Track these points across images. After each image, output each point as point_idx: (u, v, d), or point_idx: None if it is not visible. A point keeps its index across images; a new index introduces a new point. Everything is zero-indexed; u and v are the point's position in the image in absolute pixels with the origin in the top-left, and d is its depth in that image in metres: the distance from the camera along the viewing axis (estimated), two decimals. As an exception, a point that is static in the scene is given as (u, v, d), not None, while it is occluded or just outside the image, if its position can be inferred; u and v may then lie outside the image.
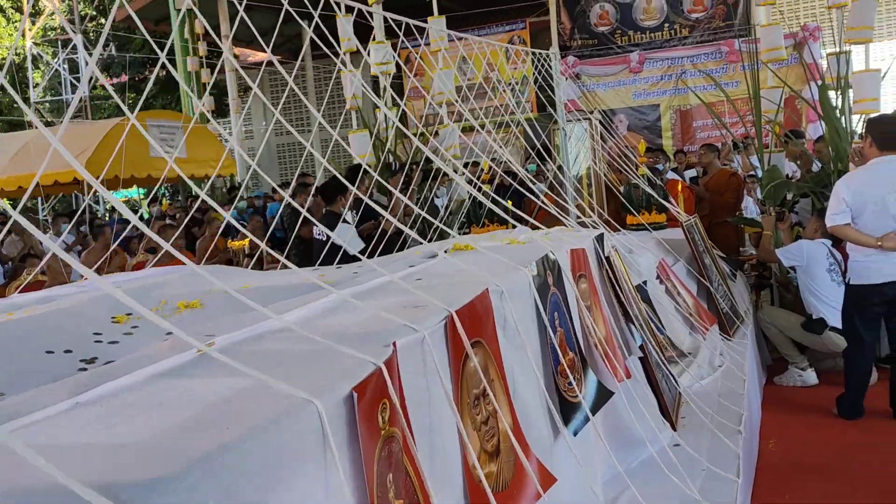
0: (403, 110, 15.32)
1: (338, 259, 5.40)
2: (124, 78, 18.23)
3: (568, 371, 2.21)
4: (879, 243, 4.56)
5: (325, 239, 5.82)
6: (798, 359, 5.46)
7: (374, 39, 7.22)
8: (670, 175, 8.38)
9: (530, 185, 8.53)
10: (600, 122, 6.84)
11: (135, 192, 22.20)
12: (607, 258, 3.32)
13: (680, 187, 6.34)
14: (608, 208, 6.65)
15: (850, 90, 6.18)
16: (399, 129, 7.46)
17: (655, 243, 4.89)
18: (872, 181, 4.59)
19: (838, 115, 6.14)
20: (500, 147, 7.31)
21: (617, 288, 3.26)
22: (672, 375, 3.55)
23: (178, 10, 15.00)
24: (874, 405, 4.82)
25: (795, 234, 6.42)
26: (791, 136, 6.57)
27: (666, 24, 14.29)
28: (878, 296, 4.66)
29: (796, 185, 6.32)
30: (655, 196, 5.47)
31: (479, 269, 2.22)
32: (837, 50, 6.20)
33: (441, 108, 7.36)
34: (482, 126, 5.61)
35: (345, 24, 6.99)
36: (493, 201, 8.40)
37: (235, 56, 18.57)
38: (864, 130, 5.28)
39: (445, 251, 2.77)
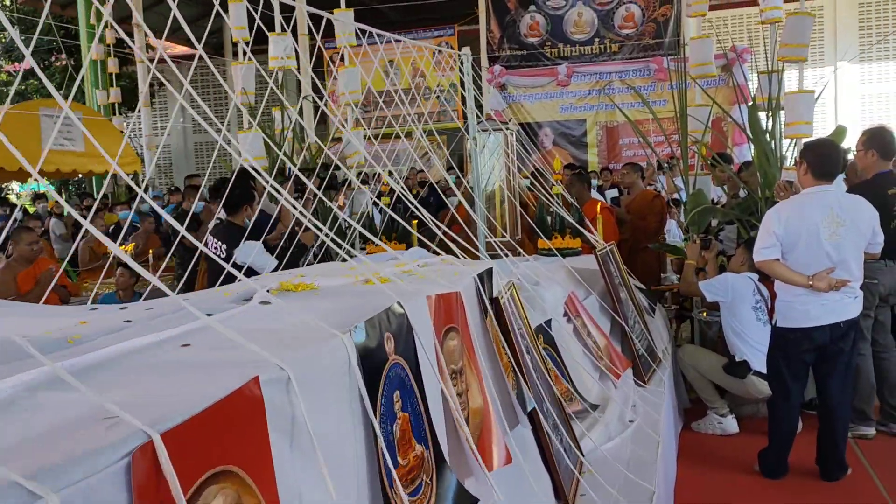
0: (324, 113, 14.49)
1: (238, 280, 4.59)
2: (28, 65, 16.91)
3: (400, 484, 1.51)
4: (810, 283, 4.03)
5: (223, 255, 5.01)
6: (718, 404, 4.90)
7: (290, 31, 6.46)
8: (593, 194, 7.82)
9: (445, 196, 7.85)
10: (517, 133, 6.21)
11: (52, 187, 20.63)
12: (495, 300, 2.65)
13: (599, 208, 5.75)
14: (522, 228, 6.02)
15: (782, 112, 5.70)
16: (299, 133, 6.69)
17: (566, 273, 4.26)
18: (805, 213, 4.06)
19: (768, 138, 5.65)
20: (416, 155, 6.62)
21: (507, 338, 2.59)
22: (572, 441, 2.89)
23: (85, -6, 13.90)
24: (800, 460, 4.28)
25: (720, 263, 5.92)
26: (718, 159, 6.06)
27: (596, 39, 13.87)
28: (806, 341, 4.12)
29: (722, 211, 5.81)
30: (568, 218, 4.84)
31: (279, 331, 1.51)
32: (769, 68, 5.72)
33: (348, 110, 6.63)
34: (394, 134, 4.92)
35: (239, 11, 6.20)
36: (405, 216, 7.67)
37: (151, 47, 17.45)
38: (797, 156, 4.76)
39: (268, 291, 2.04)
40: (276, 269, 4.89)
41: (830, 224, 4.04)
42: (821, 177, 4.10)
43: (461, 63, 5.63)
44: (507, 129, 6.05)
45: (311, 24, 5.79)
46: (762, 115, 5.72)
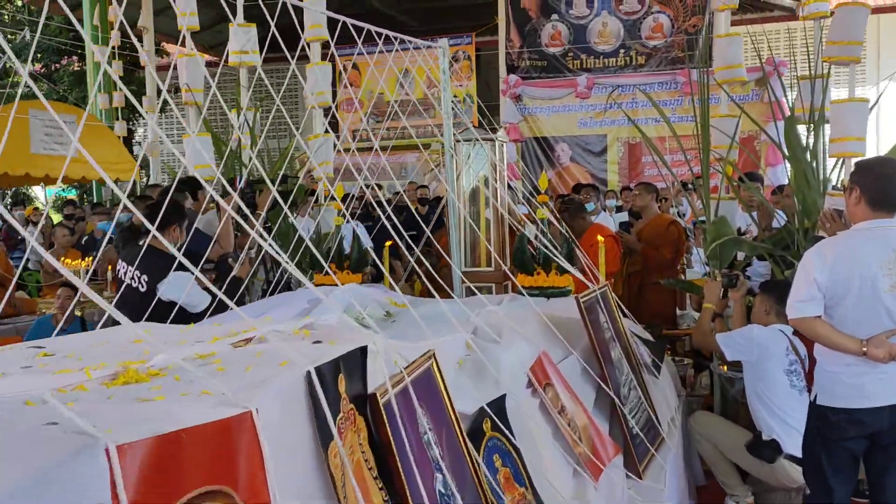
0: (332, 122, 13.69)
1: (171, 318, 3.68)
2: (38, 68, 16.30)
3: None
4: (864, 349, 2.96)
5: (143, 289, 4.05)
6: (739, 490, 3.82)
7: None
8: (600, 217, 6.75)
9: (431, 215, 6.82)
10: (528, 143, 5.20)
11: (72, 192, 20.07)
12: (370, 398, 1.65)
13: (601, 237, 4.71)
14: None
15: (826, 125, 4.63)
16: (258, 139, 5.74)
17: (541, 324, 3.24)
18: (858, 255, 3.00)
19: (808, 157, 4.57)
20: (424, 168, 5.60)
21: (384, 457, 1.59)
22: None
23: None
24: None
25: (748, 305, 4.85)
26: (745, 179, 4.97)
27: (622, 50, 12.79)
28: (855, 427, 3.04)
29: (750, 243, 4.72)
30: (551, 251, 3.80)
31: None
32: (811, 72, 4.64)
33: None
34: (389, 146, 4.01)
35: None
36: (377, 237, 6.67)
37: (163, 52, 16.74)
38: (846, 180, 3.65)
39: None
40: (209, 308, 3.92)
41: (893, 271, 2.97)
42: (880, 207, 3.03)
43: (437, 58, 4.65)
44: (497, 139, 5.04)
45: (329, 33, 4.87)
46: (802, 128, 4.65)
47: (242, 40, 5.53)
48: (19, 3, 16.18)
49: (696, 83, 4.97)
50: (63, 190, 20.01)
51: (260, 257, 5.39)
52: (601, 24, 13.06)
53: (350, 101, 14.57)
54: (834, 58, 4.33)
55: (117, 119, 13.63)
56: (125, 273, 4.10)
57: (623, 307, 4.31)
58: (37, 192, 20.66)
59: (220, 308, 3.76)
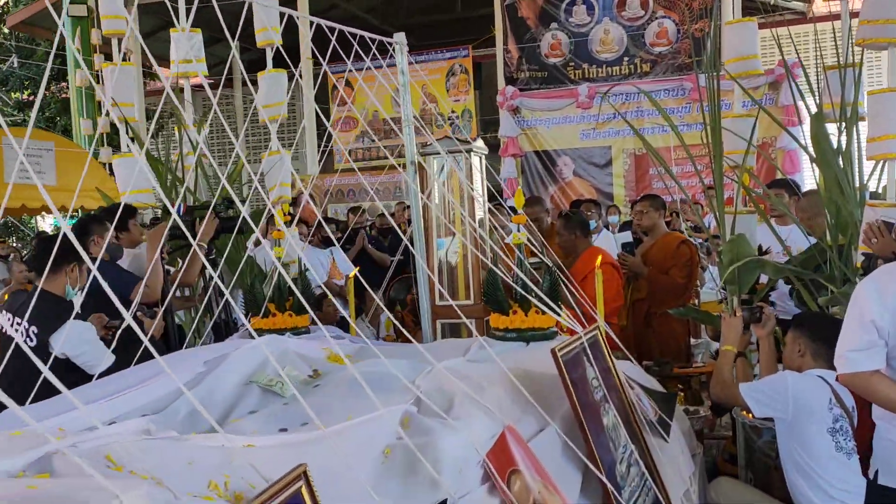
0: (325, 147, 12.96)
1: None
2: (27, 96, 15.76)
3: None
4: None
5: (32, 343, 3.30)
6: (773, 580, 3.02)
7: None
8: (600, 237, 5.95)
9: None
10: (531, 159, 4.44)
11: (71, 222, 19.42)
12: None
13: (599, 262, 3.94)
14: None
15: (861, 123, 3.85)
16: (202, 159, 5.02)
17: (506, 384, 2.46)
18: None
19: (841, 161, 3.78)
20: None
21: None
22: None
23: (72, 17, 12.64)
24: None
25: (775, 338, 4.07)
26: (774, 188, 4.17)
27: (625, 58, 12.05)
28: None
29: (775, 265, 3.92)
30: (529, 285, 3.01)
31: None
32: (841, 61, 3.86)
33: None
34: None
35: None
36: (367, 265, 5.92)
37: (153, 76, 16.19)
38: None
39: None
40: (115, 365, 3.17)
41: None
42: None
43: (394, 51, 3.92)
44: (474, 150, 4.29)
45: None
46: (831, 127, 3.86)
47: (185, 48, 4.83)
48: (6, 31, 15.70)
49: (705, 83, 4.20)
50: (73, 218, 19.45)
51: (208, 294, 4.66)
52: (603, 32, 12.34)
53: (344, 120, 13.89)
54: (868, 40, 3.55)
55: (102, 145, 13.05)
56: (9, 324, 3.36)
57: (623, 348, 3.53)
58: (39, 221, 20.11)
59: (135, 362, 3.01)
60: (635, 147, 10.72)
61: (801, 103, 9.80)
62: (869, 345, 2.23)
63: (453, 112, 13.36)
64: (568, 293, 3.27)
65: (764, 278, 4.17)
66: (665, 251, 4.96)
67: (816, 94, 3.90)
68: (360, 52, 3.46)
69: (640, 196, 5.58)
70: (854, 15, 3.94)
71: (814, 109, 3.86)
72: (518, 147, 10.89)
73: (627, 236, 5.49)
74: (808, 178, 9.60)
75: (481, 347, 3.09)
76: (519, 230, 3.19)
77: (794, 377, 2.97)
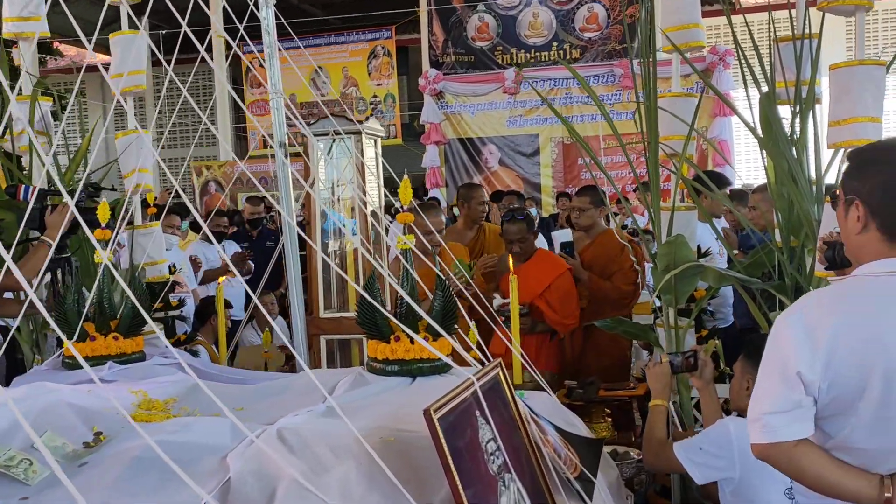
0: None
1: None
2: None
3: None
4: (888, 493, 1.54)
5: None
6: None
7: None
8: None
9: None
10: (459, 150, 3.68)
11: None
12: None
13: (513, 267, 3.23)
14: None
15: (819, 107, 3.24)
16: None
17: (358, 451, 1.71)
18: (876, 329, 1.57)
19: (794, 152, 3.15)
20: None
21: None
22: None
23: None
24: None
25: (715, 353, 3.45)
26: (709, 181, 3.52)
27: (554, 43, 11.44)
28: None
29: (717, 271, 3.28)
30: (412, 305, 2.26)
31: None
32: (796, 30, 3.23)
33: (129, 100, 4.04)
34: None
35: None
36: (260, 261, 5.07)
37: (56, 52, 14.80)
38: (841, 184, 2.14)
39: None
40: None
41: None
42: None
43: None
44: (366, 130, 3.51)
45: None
46: (784, 110, 3.23)
47: (20, 5, 3.92)
48: None
49: (640, 64, 3.54)
50: None
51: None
52: (532, 16, 11.71)
53: (260, 104, 12.89)
54: (833, 2, 2.91)
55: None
56: None
57: (536, 374, 2.83)
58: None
59: None
60: (564, 135, 10.11)
61: (733, 92, 9.28)
62: (793, 405, 1.56)
63: (375, 97, 12.53)
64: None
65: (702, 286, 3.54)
66: (606, 254, 4.29)
67: (765, 71, 3.26)
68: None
69: (579, 188, 4.88)
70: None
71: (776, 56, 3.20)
72: (441, 134, 10.16)
73: (567, 234, 4.80)
74: (743, 171, 9.15)
75: (352, 386, 2.34)
76: (404, 232, 2.45)
77: (737, 426, 2.32)
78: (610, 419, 3.62)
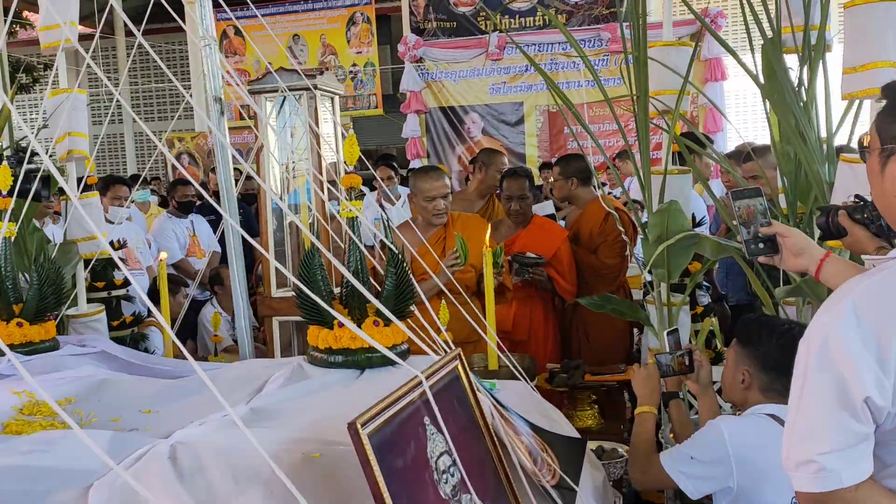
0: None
1: None
2: None
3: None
4: None
5: None
6: None
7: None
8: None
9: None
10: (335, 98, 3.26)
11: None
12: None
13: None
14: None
15: (830, 54, 2.85)
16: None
17: (284, 471, 1.33)
18: None
19: (801, 104, 2.77)
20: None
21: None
22: None
23: None
24: None
25: (710, 332, 3.14)
26: (705, 140, 3.12)
27: (539, 8, 10.96)
28: None
29: (715, 241, 2.91)
30: (357, 286, 1.87)
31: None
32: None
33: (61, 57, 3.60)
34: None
35: None
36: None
37: (27, 23, 14.20)
38: (867, 135, 1.75)
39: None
40: None
41: None
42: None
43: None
44: (321, 86, 3.10)
45: None
46: (791, 59, 2.84)
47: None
48: None
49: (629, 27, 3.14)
50: None
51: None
52: (516, -21, 11.20)
53: (238, 73, 12.36)
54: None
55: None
56: None
57: (512, 364, 2.46)
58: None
59: None
60: (549, 103, 9.65)
61: (724, 58, 8.83)
62: (858, 439, 1.18)
63: (355, 65, 12.05)
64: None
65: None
66: (591, 226, 3.92)
67: (769, 14, 2.86)
68: None
69: (556, 159, 4.49)
70: None
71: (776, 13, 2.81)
72: (422, 102, 9.69)
73: (549, 206, 4.41)
74: (734, 140, 8.76)
75: (288, 380, 1.96)
76: (350, 197, 2.05)
77: (731, 426, 1.96)
78: (596, 406, 3.27)
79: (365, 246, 2.11)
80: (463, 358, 1.69)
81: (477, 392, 1.69)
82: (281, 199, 3.41)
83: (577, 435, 2.32)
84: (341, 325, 1.99)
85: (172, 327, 3.82)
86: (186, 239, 5.91)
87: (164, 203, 7.81)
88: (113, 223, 5.12)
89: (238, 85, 2.45)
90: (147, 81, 13.41)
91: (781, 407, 1.99)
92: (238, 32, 12.08)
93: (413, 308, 2.04)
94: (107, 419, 1.71)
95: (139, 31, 2.05)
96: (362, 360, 1.99)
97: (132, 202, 5.79)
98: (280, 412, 1.68)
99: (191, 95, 3.07)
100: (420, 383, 1.46)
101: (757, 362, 2.05)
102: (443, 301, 2.63)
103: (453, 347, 1.82)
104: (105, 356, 2.36)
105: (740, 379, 2.08)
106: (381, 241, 2.61)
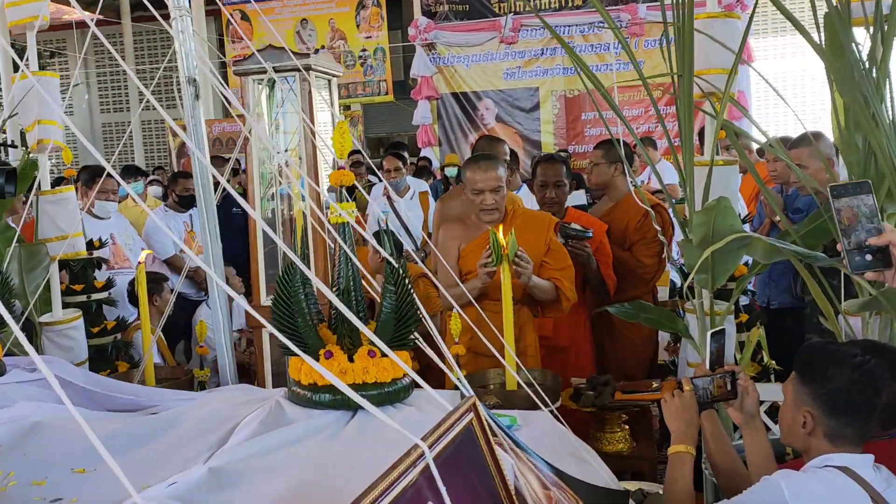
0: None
1: None
2: None
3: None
4: None
5: None
6: None
7: None
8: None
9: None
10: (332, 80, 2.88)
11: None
12: None
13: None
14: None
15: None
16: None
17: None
18: None
19: (872, 83, 2.36)
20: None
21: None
22: None
23: None
24: None
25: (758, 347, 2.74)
26: (757, 124, 2.72)
27: (556, -11, 10.50)
28: None
29: (767, 243, 2.51)
30: (342, 308, 1.49)
31: None
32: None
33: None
34: None
35: None
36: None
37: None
38: None
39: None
40: None
41: None
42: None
43: None
44: (315, 66, 2.72)
45: None
46: (860, 33, 2.43)
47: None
48: None
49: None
50: None
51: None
52: (531, -40, 10.73)
53: (239, 60, 11.98)
54: None
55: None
56: None
57: (534, 390, 2.08)
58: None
59: None
60: (566, 88, 9.22)
61: (751, 41, 8.35)
62: None
63: (364, 50, 11.65)
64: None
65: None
66: (625, 221, 3.51)
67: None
68: None
69: (595, 145, 4.07)
70: None
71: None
72: (433, 88, 9.30)
73: (581, 197, 4.00)
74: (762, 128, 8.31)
75: (262, 424, 1.58)
76: (340, 197, 1.67)
77: (793, 485, 1.58)
78: (627, 426, 2.89)
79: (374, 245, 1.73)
80: (479, 408, 1.31)
81: (496, 452, 1.31)
82: (274, 192, 3.06)
83: (612, 479, 1.94)
84: (329, 354, 1.61)
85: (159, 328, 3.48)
86: (182, 234, 5.56)
87: (165, 196, 7.46)
88: (103, 219, 4.78)
89: (211, 69, 2.07)
90: (155, 69, 13.11)
91: (856, 457, 1.61)
92: (245, 17, 11.70)
93: (415, 334, 1.66)
94: (28, 482, 1.35)
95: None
96: (353, 400, 1.61)
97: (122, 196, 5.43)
98: (243, 475, 1.31)
99: (176, 79, 2.69)
100: (422, 456, 1.08)
101: (822, 403, 1.67)
102: (454, 311, 2.26)
103: (468, 389, 1.44)
104: (59, 383, 1.99)
105: (801, 422, 1.69)
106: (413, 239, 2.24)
